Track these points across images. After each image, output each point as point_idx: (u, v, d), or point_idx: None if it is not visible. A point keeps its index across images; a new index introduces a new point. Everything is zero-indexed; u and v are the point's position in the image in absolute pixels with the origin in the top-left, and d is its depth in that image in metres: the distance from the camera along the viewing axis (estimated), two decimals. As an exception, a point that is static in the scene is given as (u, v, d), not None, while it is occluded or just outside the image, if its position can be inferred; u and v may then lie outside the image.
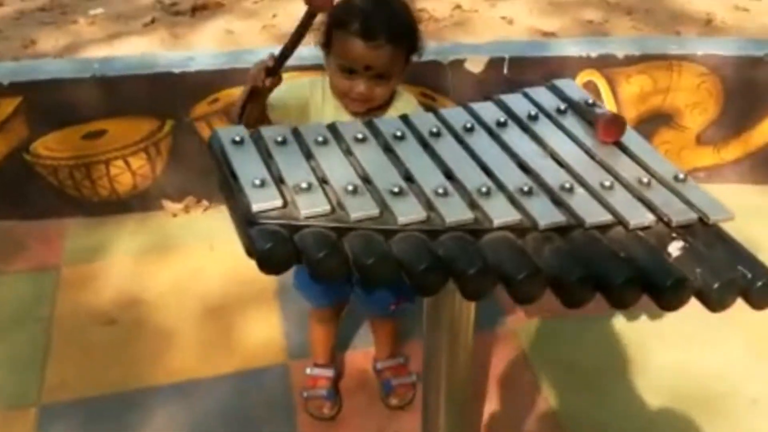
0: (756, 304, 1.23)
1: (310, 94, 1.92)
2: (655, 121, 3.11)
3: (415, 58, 1.90)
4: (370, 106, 1.87)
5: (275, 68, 1.76)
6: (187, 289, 2.87)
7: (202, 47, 4.27)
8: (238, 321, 2.73)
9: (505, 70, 3.01)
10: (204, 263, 3.00)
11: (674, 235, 1.29)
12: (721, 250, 1.27)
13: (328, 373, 2.38)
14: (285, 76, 1.84)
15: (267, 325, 2.71)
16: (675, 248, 1.27)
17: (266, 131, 1.48)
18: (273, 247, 1.26)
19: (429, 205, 1.30)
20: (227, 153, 1.42)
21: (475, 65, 2.97)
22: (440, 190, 1.32)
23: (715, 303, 1.22)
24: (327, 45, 1.87)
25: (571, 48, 3.05)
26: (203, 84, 3.07)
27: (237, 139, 1.44)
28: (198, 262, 3.00)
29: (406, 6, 1.88)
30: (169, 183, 3.24)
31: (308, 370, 2.40)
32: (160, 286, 2.88)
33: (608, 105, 3.10)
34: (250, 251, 1.32)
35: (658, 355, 2.45)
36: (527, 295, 1.23)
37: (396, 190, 1.31)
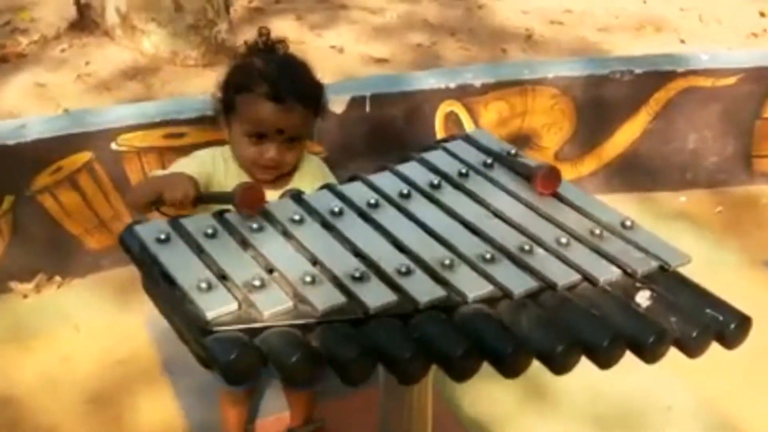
0: (730, 345, 1.24)
1: (212, 168, 1.78)
2: (515, 143, 3.18)
3: (319, 120, 1.81)
4: (280, 173, 1.76)
5: (195, 202, 1.59)
6: (60, 380, 2.61)
7: (15, 106, 3.95)
8: (126, 406, 2.51)
9: (367, 108, 2.97)
10: (72, 347, 2.75)
11: (638, 284, 1.29)
12: (686, 295, 1.28)
13: (243, 451, 2.24)
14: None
15: (160, 406, 2.52)
16: (643, 298, 1.27)
17: (189, 223, 1.34)
18: (239, 356, 1.13)
19: (395, 287, 1.23)
20: (155, 254, 1.27)
21: (337, 106, 2.91)
22: (402, 269, 1.24)
23: (693, 350, 1.22)
24: (227, 111, 1.74)
25: (429, 80, 3.06)
26: (42, 153, 2.82)
27: (162, 237, 1.29)
28: (65, 347, 2.74)
29: (309, 66, 1.79)
30: (14, 263, 2.94)
31: (221, 452, 2.24)
32: (28, 381, 2.60)
33: (470, 133, 3.13)
34: (208, 363, 1.18)
35: (572, 381, 2.47)
36: (517, 371, 1.18)
37: (357, 274, 1.23)
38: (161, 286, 1.25)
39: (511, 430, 2.40)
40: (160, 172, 1.75)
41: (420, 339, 1.17)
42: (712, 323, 1.23)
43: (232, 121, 1.74)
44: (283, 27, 4.90)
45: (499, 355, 1.16)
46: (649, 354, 1.20)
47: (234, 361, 1.14)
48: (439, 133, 3.11)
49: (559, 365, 1.18)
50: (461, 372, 1.16)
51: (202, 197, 1.58)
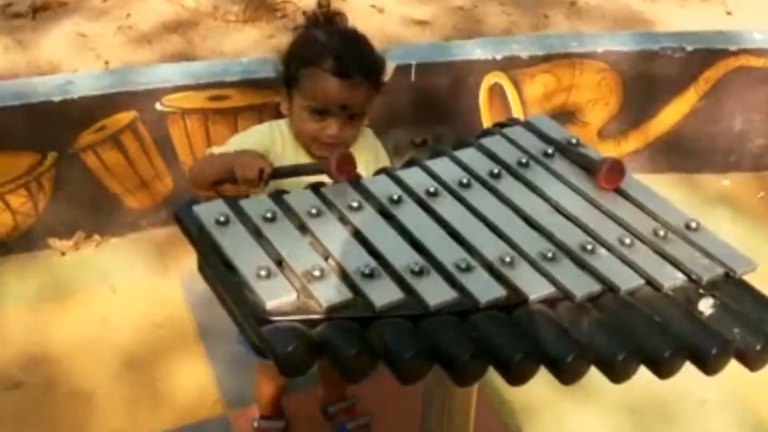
0: (792, 358, 1.22)
1: (270, 141, 1.76)
2: (558, 119, 3.13)
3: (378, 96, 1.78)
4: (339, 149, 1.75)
5: (268, 178, 1.57)
6: (96, 339, 2.62)
7: (55, 56, 3.93)
8: (162, 371, 2.52)
9: (412, 77, 2.93)
10: (109, 308, 2.75)
11: (702, 291, 1.26)
12: (749, 304, 1.25)
13: (278, 425, 2.25)
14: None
15: (195, 373, 2.52)
16: (706, 306, 1.24)
17: (249, 205, 1.33)
18: (296, 348, 1.13)
19: (454, 283, 1.21)
20: (214, 237, 1.26)
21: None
22: (462, 265, 1.23)
23: (755, 363, 1.21)
24: (289, 85, 1.71)
25: (476, 51, 3.00)
26: (87, 111, 2.80)
27: (221, 219, 1.28)
28: (102, 308, 2.75)
29: (369, 40, 1.75)
30: (54, 219, 2.95)
31: (255, 424, 2.25)
32: (65, 339, 2.62)
33: (514, 106, 3.09)
34: (264, 352, 1.17)
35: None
36: (575, 378, 1.16)
37: (416, 269, 1.21)
38: (220, 271, 1.24)
39: (545, 419, 2.39)
40: (217, 149, 1.73)
41: (479, 339, 1.16)
42: (777, 335, 1.21)
43: (293, 94, 1.71)
44: (323, -16, 4.83)
45: (560, 362, 1.14)
46: (710, 366, 1.19)
47: (291, 353, 1.13)
48: (483, 105, 3.06)
49: (619, 374, 1.17)
50: (519, 376, 1.15)
51: (279, 172, 1.56)
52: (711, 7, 4.84)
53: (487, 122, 3.11)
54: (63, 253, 2.97)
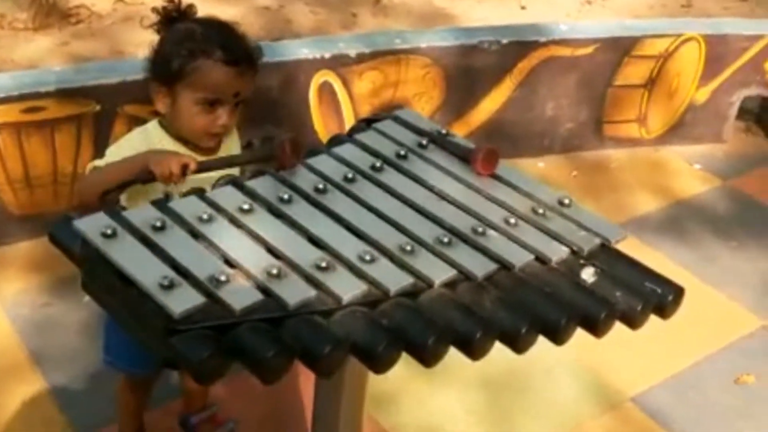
0: (667, 315, 1.34)
1: (148, 144, 1.68)
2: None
3: None
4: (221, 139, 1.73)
5: (194, 172, 1.51)
6: None
7: None
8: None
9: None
10: (-70, 341, 2.51)
11: (582, 261, 1.35)
12: (625, 269, 1.36)
13: (142, 443, 2.15)
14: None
15: (37, 401, 2.35)
16: (588, 275, 1.33)
17: (133, 216, 1.27)
18: (211, 354, 1.09)
19: (361, 276, 1.22)
20: (104, 251, 1.19)
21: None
22: (366, 257, 1.24)
23: (637, 323, 1.31)
24: (172, 83, 1.64)
25: (303, 50, 3.01)
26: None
27: (108, 231, 1.21)
28: None
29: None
30: None
31: (115, 445, 2.14)
32: None
33: (344, 103, 3.13)
34: (174, 362, 1.14)
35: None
36: (483, 353, 1.21)
37: (323, 264, 1.21)
38: (115, 285, 1.17)
39: (406, 403, 2.45)
40: (100, 162, 1.64)
41: (390, 328, 1.18)
42: (653, 296, 1.32)
43: (178, 91, 1.64)
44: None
45: (469, 339, 1.19)
46: (600, 329, 1.27)
47: (206, 361, 1.10)
48: (313, 103, 3.08)
49: (522, 345, 1.23)
50: (432, 358, 1.18)
51: (207, 165, 1.52)
52: (506, 2, 5.14)
53: (317, 121, 3.12)
54: None
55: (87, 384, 2.41)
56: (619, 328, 1.32)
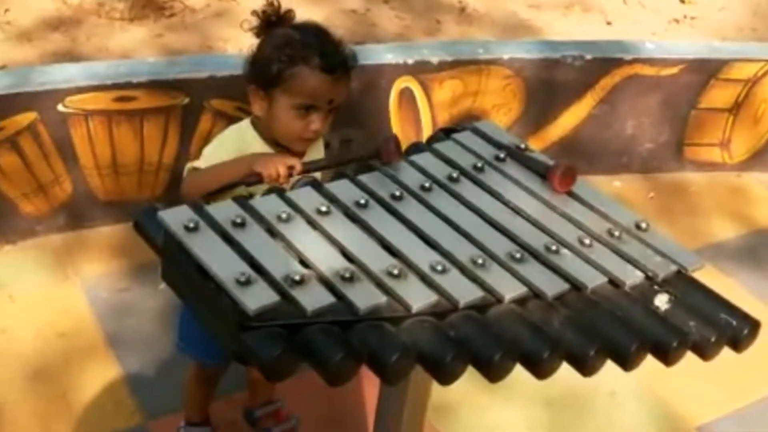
0: (741, 349, 1.32)
1: (243, 144, 1.74)
2: (464, 123, 3.22)
3: None
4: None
5: (300, 173, 1.58)
6: (-1, 353, 2.49)
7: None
8: (73, 382, 2.42)
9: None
10: (9, 318, 2.61)
11: (657, 287, 1.34)
12: (701, 299, 1.34)
13: (205, 431, 2.20)
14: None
15: (109, 383, 2.43)
16: (662, 302, 1.32)
17: (216, 211, 1.31)
18: (282, 353, 1.12)
19: (431, 286, 1.23)
20: (185, 243, 1.23)
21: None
22: (438, 267, 1.25)
23: (709, 354, 1.29)
24: (269, 86, 1.69)
25: (387, 55, 3.04)
26: (-17, 111, 2.65)
27: (190, 225, 1.25)
28: (2, 319, 2.60)
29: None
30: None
31: (182, 430, 2.20)
32: (-35, 353, 2.47)
33: (423, 110, 3.14)
34: (247, 359, 1.16)
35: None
36: (550, 372, 1.21)
37: (395, 272, 1.23)
38: (193, 278, 1.21)
39: (466, 415, 2.45)
40: (199, 163, 1.70)
41: (458, 340, 1.18)
42: (727, 327, 1.30)
43: (275, 95, 1.69)
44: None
45: (536, 358, 1.19)
46: (671, 358, 1.26)
47: (276, 359, 1.12)
48: (393, 108, 3.10)
49: (590, 368, 1.22)
50: (497, 373, 1.18)
51: (312, 166, 1.57)
52: (592, 16, 5.08)
53: (396, 126, 3.15)
54: (-50, 261, 2.80)
55: (158, 370, 2.48)
56: (688, 356, 1.30)
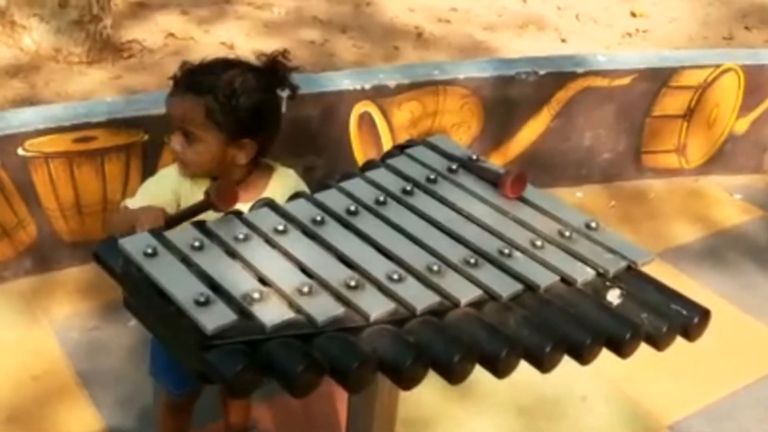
0: (693, 337, 1.35)
1: (174, 182, 1.76)
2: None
3: None
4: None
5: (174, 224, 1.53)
6: (-29, 398, 2.47)
7: None
8: (48, 424, 2.40)
9: (284, 109, 2.96)
10: (-20, 362, 2.60)
11: (608, 283, 1.38)
12: (651, 292, 1.38)
13: (181, 466, 2.20)
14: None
15: (84, 422, 2.42)
16: (614, 296, 1.36)
17: (175, 236, 1.33)
18: (244, 369, 1.14)
19: (389, 294, 1.26)
20: (145, 269, 1.25)
21: (253, 107, 2.89)
22: (394, 276, 1.28)
23: (663, 344, 1.32)
24: None
25: (344, 81, 3.09)
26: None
27: (149, 251, 1.27)
28: (-27, 362, 2.60)
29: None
30: None
31: (158, 463, 2.20)
32: (-63, 400, 2.45)
33: (383, 133, 3.19)
34: (208, 377, 1.18)
35: (491, 376, 2.57)
36: (508, 371, 1.24)
37: (352, 283, 1.25)
38: (153, 302, 1.23)
39: (440, 427, 2.47)
40: (129, 202, 1.72)
41: (418, 345, 1.21)
42: (678, 318, 1.34)
43: None
44: (169, 22, 4.81)
45: (495, 358, 1.22)
46: (625, 349, 1.29)
47: (239, 375, 1.14)
48: (354, 133, 3.14)
49: (547, 364, 1.25)
50: (458, 375, 1.21)
51: (173, 220, 1.55)
52: (546, 34, 5.18)
53: (357, 150, 3.19)
54: None
55: (132, 406, 2.48)
56: (654, 355, 1.34)
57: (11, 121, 2.75)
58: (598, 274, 1.37)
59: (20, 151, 2.73)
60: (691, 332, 1.34)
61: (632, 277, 1.39)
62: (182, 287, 1.22)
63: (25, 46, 4.32)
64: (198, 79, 1.72)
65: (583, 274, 1.35)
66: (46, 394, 2.51)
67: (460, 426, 2.48)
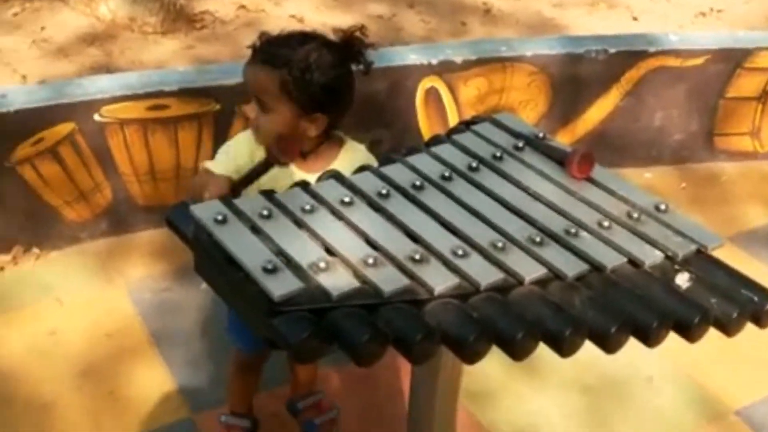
0: (764, 324, 1.33)
1: (249, 146, 1.79)
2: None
3: None
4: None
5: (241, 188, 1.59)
6: (48, 352, 2.58)
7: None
8: (121, 380, 2.50)
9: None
10: (57, 321, 2.70)
11: (677, 267, 1.36)
12: (721, 277, 1.35)
13: (245, 423, 2.26)
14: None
15: (155, 379, 2.51)
16: (683, 280, 1.34)
17: (243, 205, 1.36)
18: (309, 336, 1.16)
19: (453, 269, 1.27)
20: (215, 235, 1.28)
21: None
22: (459, 252, 1.29)
23: (733, 330, 1.30)
24: None
25: (411, 56, 3.09)
26: (24, 124, 2.75)
27: (219, 218, 1.30)
28: (50, 321, 2.70)
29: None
30: (-10, 234, 2.88)
31: (223, 418, 2.26)
32: (15, 354, 2.56)
33: (450, 109, 3.18)
34: (275, 342, 1.21)
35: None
36: (572, 350, 1.24)
37: (417, 257, 1.26)
38: (223, 268, 1.26)
39: (505, 403, 2.48)
40: (209, 164, 1.76)
41: (480, 320, 1.22)
42: (749, 304, 1.31)
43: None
44: (241, -5, 4.86)
45: (559, 337, 1.21)
46: (693, 334, 1.27)
47: (304, 342, 1.17)
48: (420, 108, 3.14)
49: (612, 345, 1.25)
50: (521, 352, 1.21)
51: (240, 183, 1.58)
52: (617, 12, 5.08)
53: (424, 125, 3.19)
54: (1, 268, 2.90)
55: (202, 365, 2.57)
56: (721, 339, 1.32)
57: (88, 87, 2.83)
58: (667, 257, 1.35)
59: (97, 117, 2.82)
60: (762, 319, 1.32)
61: (702, 261, 1.37)
62: (251, 254, 1.24)
63: (101, 15, 4.42)
64: (274, 52, 1.73)
65: (652, 257, 1.34)
66: (119, 351, 2.61)
67: (523, 401, 2.49)
